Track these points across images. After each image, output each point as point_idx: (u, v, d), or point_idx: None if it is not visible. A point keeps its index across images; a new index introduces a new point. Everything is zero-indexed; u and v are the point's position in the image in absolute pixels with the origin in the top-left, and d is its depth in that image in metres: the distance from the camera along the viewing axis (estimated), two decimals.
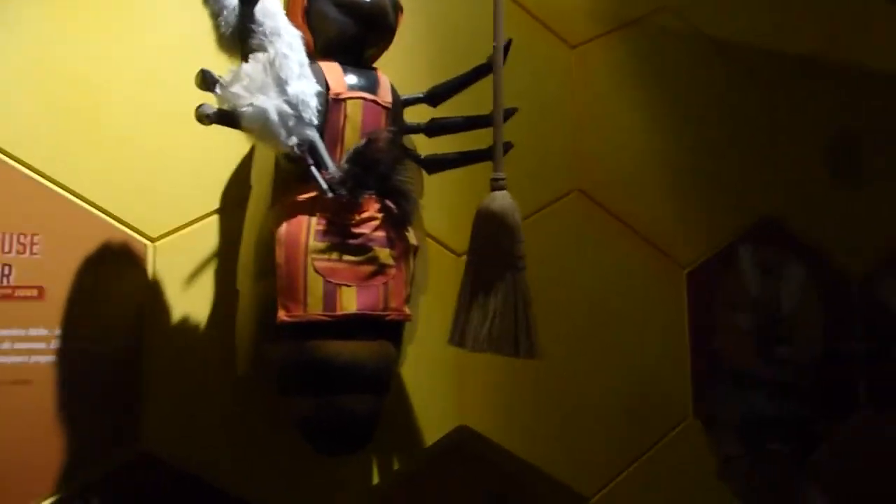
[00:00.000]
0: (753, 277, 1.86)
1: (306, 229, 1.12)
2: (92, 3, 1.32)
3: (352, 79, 1.18)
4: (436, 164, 1.27)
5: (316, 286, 1.09)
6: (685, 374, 1.75)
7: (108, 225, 1.29)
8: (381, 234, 1.15)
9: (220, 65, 1.24)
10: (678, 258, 1.80)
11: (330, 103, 1.14)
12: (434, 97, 1.28)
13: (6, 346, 1.21)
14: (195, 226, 1.35)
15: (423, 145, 1.34)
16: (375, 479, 1.43)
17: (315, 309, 1.09)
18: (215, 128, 1.34)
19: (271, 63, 1.05)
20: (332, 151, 1.14)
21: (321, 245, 1.11)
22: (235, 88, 1.03)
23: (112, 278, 1.28)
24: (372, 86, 1.19)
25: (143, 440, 1.26)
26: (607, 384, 1.66)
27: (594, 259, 1.70)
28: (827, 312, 1.94)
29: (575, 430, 1.62)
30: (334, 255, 1.11)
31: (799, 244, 1.95)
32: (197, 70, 1.05)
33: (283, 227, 1.12)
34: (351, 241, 1.12)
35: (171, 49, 1.35)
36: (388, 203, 1.17)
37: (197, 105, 1.04)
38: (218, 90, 1.04)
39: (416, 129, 1.27)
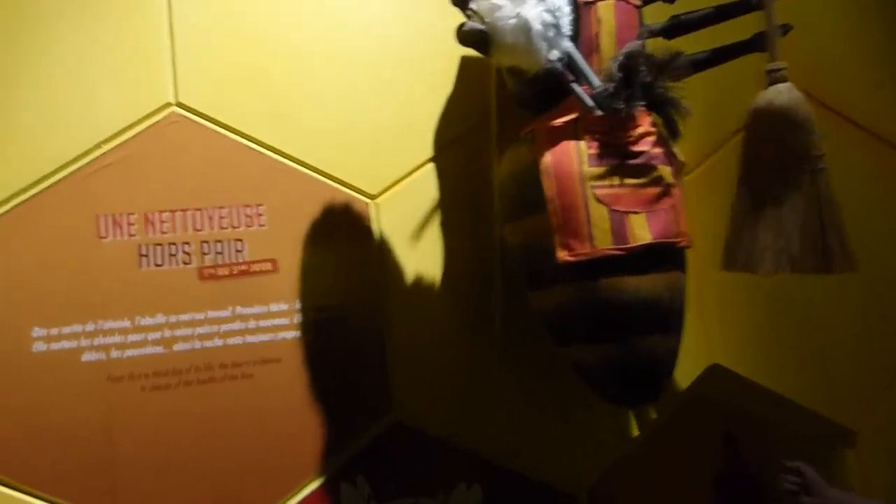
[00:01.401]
0: None
1: (576, 155, 0.98)
2: None
3: None
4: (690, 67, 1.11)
5: (600, 217, 0.96)
6: None
7: (328, 187, 1.20)
8: (659, 149, 1.01)
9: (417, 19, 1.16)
10: None
11: (580, 8, 0.99)
12: None
13: (252, 324, 1.14)
14: (413, 177, 1.24)
15: None
16: (635, 431, 1.31)
17: (604, 243, 0.96)
18: (416, 74, 1.25)
19: None
20: (588, 62, 0.99)
21: (599, 170, 0.97)
22: None
23: (340, 241, 1.19)
24: None
25: (395, 409, 1.18)
26: (849, 299, 1.48)
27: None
28: None
29: (824, 356, 1.45)
30: (615, 180, 0.97)
31: None
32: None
33: (548, 158, 0.99)
34: (631, 162, 0.98)
35: (370, 7, 1.25)
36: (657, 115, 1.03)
37: (458, 25, 0.92)
38: (474, 5, 0.91)
39: (658, 32, 1.11)
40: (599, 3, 1.00)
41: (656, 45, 1.03)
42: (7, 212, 1.05)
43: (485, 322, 1.20)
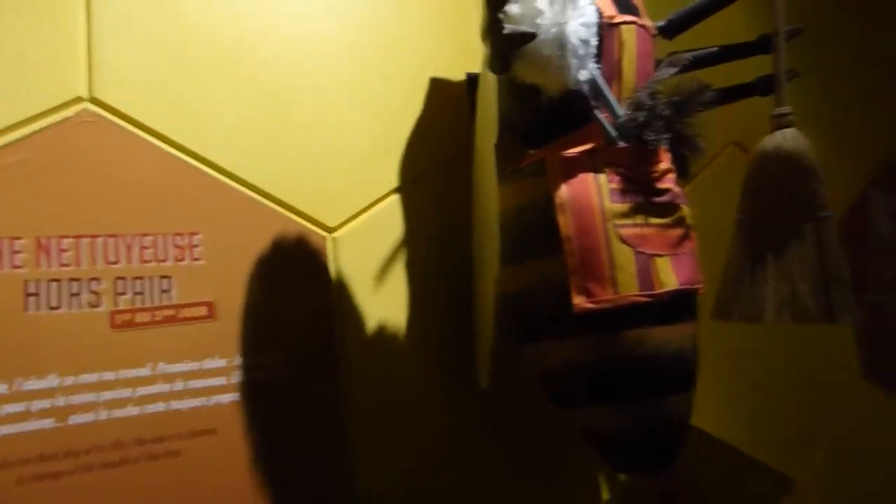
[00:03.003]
0: (885, 224, 1.76)
1: (597, 190, 0.87)
2: None
3: (615, 1, 0.93)
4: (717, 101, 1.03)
5: (625, 260, 0.85)
6: (850, 337, 1.62)
7: (278, 216, 0.99)
8: (679, 188, 0.92)
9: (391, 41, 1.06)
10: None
11: (604, 28, 0.89)
12: (674, 27, 1.05)
13: (178, 386, 0.88)
14: (376, 208, 1.06)
15: None
16: (605, 495, 1.19)
17: (629, 289, 0.85)
18: (389, 90, 1.08)
19: None
20: (609, 87, 0.89)
21: (622, 207, 0.86)
22: (539, 3, 0.77)
23: (291, 283, 0.98)
24: (634, 9, 0.96)
25: (358, 489, 0.97)
26: (786, 356, 1.50)
27: None
28: None
29: (764, 404, 1.45)
30: (640, 219, 0.87)
31: None
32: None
33: (565, 191, 0.87)
34: (657, 200, 0.89)
35: (337, 23, 1.07)
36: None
37: (491, 26, 0.77)
38: (515, 7, 0.78)
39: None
40: (623, 27, 0.90)
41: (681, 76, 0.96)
42: None
43: (463, 381, 1.04)
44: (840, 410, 1.56)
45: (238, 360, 0.92)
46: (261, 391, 0.93)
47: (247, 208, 0.96)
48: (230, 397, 0.91)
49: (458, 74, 1.15)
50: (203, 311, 0.91)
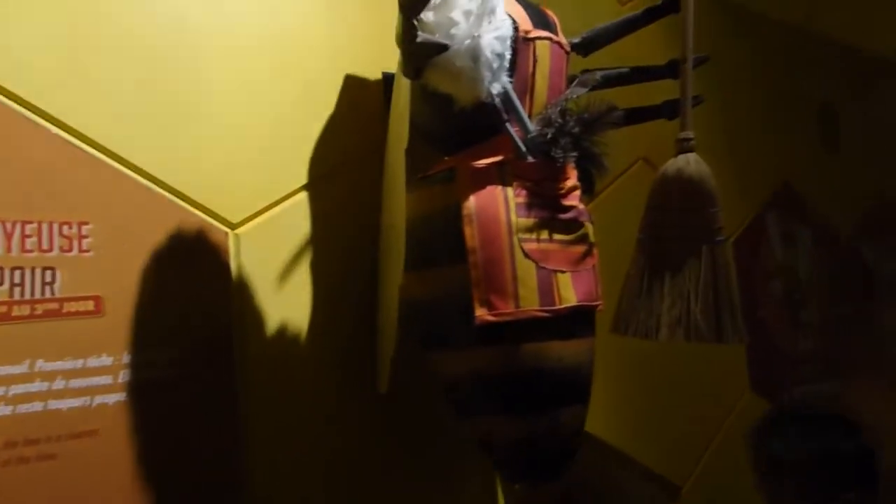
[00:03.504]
0: (778, 244, 1.87)
1: (504, 203, 0.88)
2: None
3: (532, 16, 0.94)
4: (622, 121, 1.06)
5: (528, 275, 0.86)
6: (741, 349, 1.71)
7: (177, 208, 0.95)
8: (583, 205, 0.94)
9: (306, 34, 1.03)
10: None
11: (519, 42, 0.90)
12: (588, 45, 1.07)
13: (59, 384, 0.83)
14: (281, 206, 1.04)
15: None
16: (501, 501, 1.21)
17: (530, 303, 0.86)
18: (300, 94, 1.06)
19: None
20: (521, 102, 0.90)
21: (528, 222, 0.88)
22: (455, 14, 0.77)
23: (188, 279, 0.94)
24: (550, 25, 0.97)
25: (251, 494, 0.95)
26: (678, 366, 1.56)
27: None
28: (832, 275, 2.00)
29: (656, 416, 1.51)
30: (544, 234, 0.88)
31: (806, 209, 1.99)
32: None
33: (473, 202, 0.87)
34: (561, 216, 0.90)
35: (250, 11, 1.03)
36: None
37: (406, 34, 0.76)
38: (428, 15, 0.77)
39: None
40: (537, 42, 0.91)
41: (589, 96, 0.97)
42: None
43: (362, 385, 1.03)
44: (727, 421, 1.64)
45: (126, 359, 0.88)
46: (150, 391, 0.89)
47: (143, 199, 0.92)
48: (116, 397, 0.87)
49: (374, 72, 1.13)
50: (90, 305, 0.86)
